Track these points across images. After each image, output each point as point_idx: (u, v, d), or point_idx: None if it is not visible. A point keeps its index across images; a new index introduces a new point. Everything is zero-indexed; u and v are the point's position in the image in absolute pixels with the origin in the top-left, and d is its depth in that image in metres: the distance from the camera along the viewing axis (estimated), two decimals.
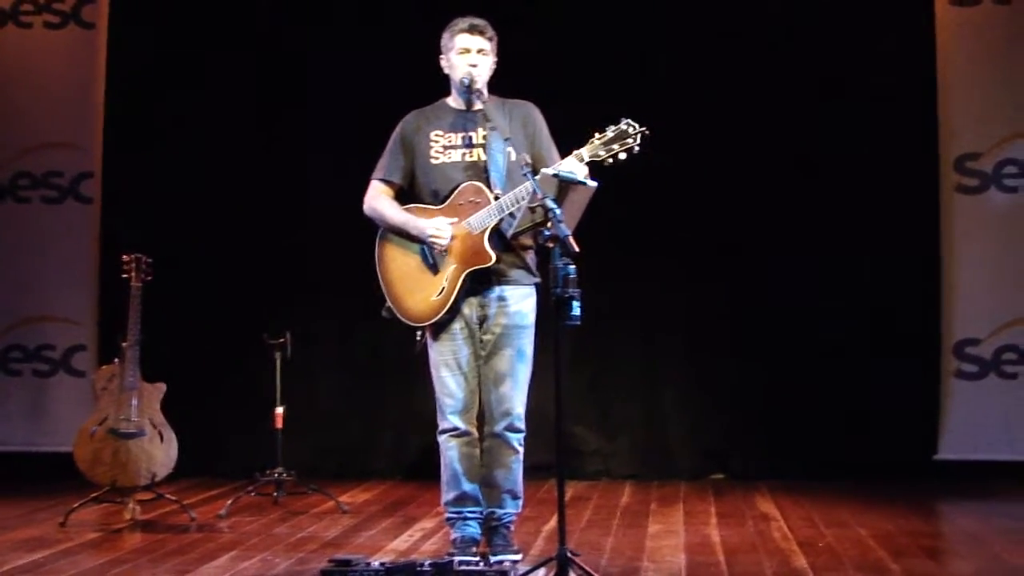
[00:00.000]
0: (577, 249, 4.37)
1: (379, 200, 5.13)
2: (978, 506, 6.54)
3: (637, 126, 4.74)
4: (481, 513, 5.11)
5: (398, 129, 5.18)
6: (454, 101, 5.14)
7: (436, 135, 5.09)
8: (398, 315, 5.06)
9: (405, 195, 5.16)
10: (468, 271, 4.95)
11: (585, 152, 4.77)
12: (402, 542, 5.58)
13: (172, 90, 7.69)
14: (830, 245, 7.32)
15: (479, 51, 5.04)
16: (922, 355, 7.32)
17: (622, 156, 4.74)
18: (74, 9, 7.87)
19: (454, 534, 5.12)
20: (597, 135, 4.78)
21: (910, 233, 7.33)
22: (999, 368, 7.31)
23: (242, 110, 7.62)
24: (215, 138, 7.61)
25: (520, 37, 5.26)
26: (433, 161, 5.07)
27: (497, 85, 5.16)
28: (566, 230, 4.42)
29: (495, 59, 5.11)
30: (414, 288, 5.03)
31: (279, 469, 6.57)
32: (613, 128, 4.76)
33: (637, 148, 4.73)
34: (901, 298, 7.31)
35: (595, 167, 4.78)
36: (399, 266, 5.08)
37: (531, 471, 5.36)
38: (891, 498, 6.58)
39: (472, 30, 5.05)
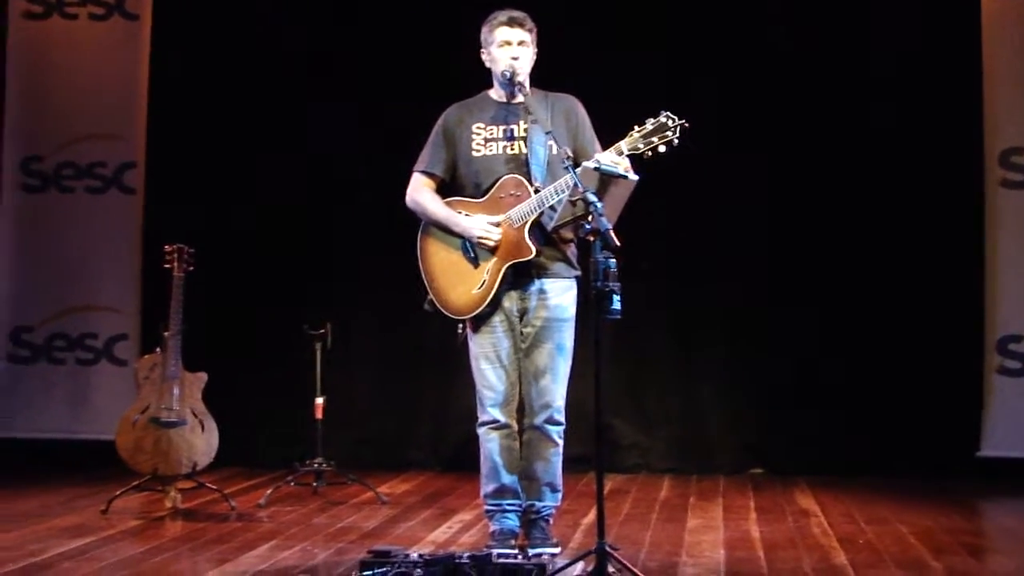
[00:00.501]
0: (618, 243, 4.34)
1: (421, 193, 5.14)
2: (1020, 503, 6.49)
3: (676, 119, 4.69)
4: (520, 506, 5.11)
5: (440, 121, 5.18)
6: (496, 94, 5.13)
7: (478, 128, 5.09)
8: (440, 308, 5.07)
9: (447, 187, 5.17)
10: (509, 264, 4.94)
11: (624, 145, 4.74)
12: (441, 534, 5.59)
13: (215, 81, 7.72)
14: (872, 240, 7.26)
15: (520, 43, 5.03)
16: (964, 351, 7.25)
17: (661, 149, 4.70)
18: (118, 0, 7.92)
19: (493, 526, 5.13)
20: (636, 128, 4.73)
21: (953, 228, 7.26)
22: None
23: (284, 102, 7.63)
24: (257, 129, 7.63)
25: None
26: (475, 154, 5.07)
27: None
28: (607, 223, 4.39)
29: (535, 51, 5.10)
30: (456, 282, 5.04)
31: (319, 459, 6.60)
32: (652, 121, 4.72)
33: (676, 141, 4.69)
34: (944, 293, 7.23)
35: (635, 161, 4.76)
36: (441, 260, 5.08)
37: (570, 464, 5.35)
38: (932, 495, 6.54)
39: (512, 23, 5.04)
